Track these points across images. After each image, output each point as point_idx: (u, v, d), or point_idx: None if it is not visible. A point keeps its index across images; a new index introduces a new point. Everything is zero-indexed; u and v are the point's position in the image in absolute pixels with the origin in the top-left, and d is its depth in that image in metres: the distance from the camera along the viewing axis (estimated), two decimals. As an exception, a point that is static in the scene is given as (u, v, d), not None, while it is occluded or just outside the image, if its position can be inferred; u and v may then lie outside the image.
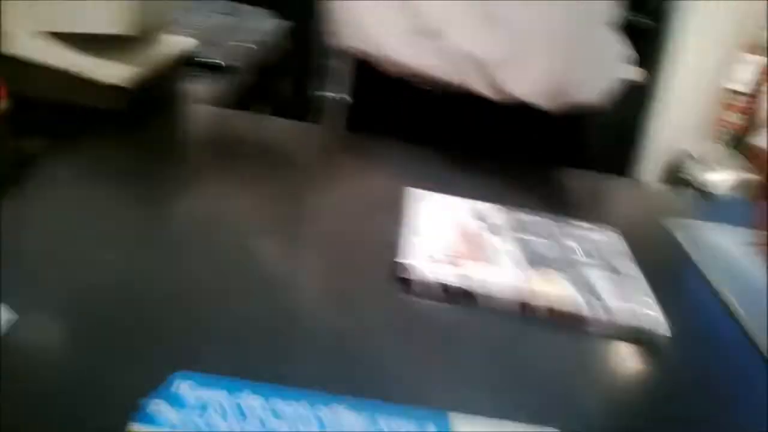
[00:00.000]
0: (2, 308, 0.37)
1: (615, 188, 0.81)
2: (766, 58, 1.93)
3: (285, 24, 1.29)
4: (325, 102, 2.71)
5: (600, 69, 0.75)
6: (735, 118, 2.08)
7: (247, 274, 0.46)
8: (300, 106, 2.20)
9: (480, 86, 0.73)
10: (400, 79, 0.77)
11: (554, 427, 0.35)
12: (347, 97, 0.87)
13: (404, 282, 0.47)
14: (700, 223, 0.68)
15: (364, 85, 0.85)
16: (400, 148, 0.72)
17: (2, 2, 0.60)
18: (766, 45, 1.89)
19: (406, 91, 0.77)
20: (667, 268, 0.60)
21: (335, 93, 2.87)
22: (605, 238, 0.57)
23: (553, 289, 0.48)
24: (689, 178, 2.40)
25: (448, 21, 0.72)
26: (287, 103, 1.56)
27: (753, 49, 1.95)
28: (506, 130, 0.76)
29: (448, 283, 0.47)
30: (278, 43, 1.24)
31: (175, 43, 0.79)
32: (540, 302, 0.47)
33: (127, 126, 0.65)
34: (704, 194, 1.86)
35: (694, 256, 0.60)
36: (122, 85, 0.65)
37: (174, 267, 0.46)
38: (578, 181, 0.75)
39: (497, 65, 0.72)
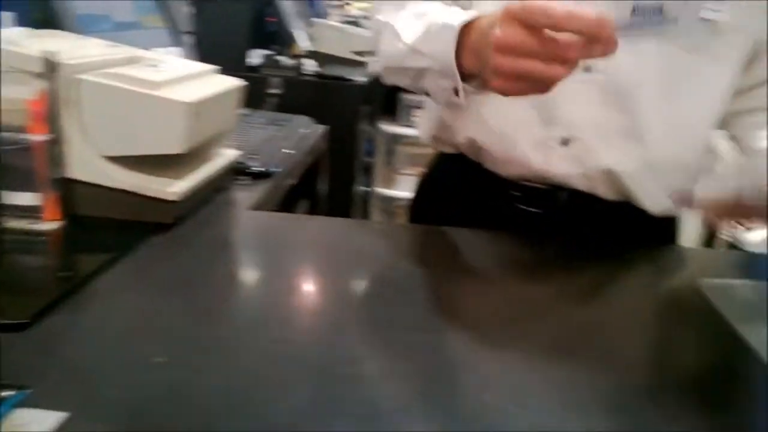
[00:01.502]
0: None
1: (655, 256, 0.81)
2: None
3: (324, 128, 1.36)
4: (368, 197, 2.79)
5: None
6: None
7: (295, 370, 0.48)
8: (339, 203, 2.28)
9: (608, 194, 0.78)
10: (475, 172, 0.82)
11: None
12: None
13: None
14: (735, 282, 0.68)
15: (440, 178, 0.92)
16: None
17: (66, 129, 0.67)
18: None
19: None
20: (700, 330, 0.60)
21: (372, 188, 2.95)
22: None
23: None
24: (729, 238, 2.36)
25: (585, 131, 0.75)
26: (327, 201, 1.62)
27: None
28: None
29: None
30: (318, 145, 1.31)
31: (222, 155, 0.85)
32: None
33: (177, 237, 0.70)
34: (742, 253, 1.81)
35: (729, 315, 0.60)
36: (173, 199, 0.70)
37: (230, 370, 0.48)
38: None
39: (630, 177, 0.76)
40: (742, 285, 0.69)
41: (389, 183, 2.94)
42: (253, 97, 1.84)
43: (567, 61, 0.53)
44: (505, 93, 0.58)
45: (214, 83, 0.79)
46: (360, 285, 0.65)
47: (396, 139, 2.92)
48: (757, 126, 0.75)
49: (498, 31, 0.54)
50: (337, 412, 0.43)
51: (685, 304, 0.65)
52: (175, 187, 0.71)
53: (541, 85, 0.55)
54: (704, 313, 0.61)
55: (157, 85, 0.67)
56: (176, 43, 1.15)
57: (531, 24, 0.52)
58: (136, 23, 1.07)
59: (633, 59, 0.71)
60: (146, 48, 0.88)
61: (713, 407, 0.48)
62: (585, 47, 0.52)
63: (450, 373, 0.49)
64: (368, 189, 2.84)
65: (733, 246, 2.35)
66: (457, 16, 0.65)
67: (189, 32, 1.21)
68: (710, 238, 2.44)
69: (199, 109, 0.68)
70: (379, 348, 0.52)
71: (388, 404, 0.45)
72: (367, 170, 2.78)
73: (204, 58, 1.67)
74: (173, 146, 0.68)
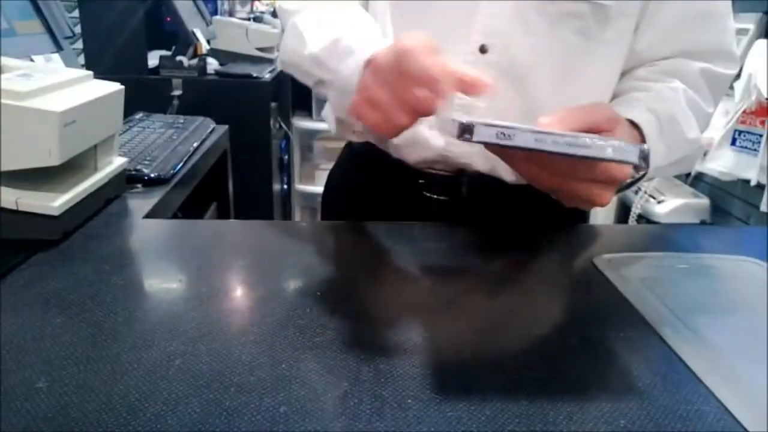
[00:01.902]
0: None
1: (560, 237, 0.83)
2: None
3: (225, 127, 1.33)
4: (282, 195, 2.76)
5: None
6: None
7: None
8: (256, 203, 2.24)
9: (508, 175, 0.78)
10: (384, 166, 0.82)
11: None
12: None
13: None
14: (631, 256, 0.70)
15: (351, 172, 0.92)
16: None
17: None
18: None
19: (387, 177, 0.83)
20: (598, 307, 0.61)
21: (292, 185, 2.92)
22: None
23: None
24: (640, 211, 2.48)
25: (482, 111, 0.74)
26: (243, 202, 1.58)
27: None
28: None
29: None
30: (220, 146, 1.27)
31: (110, 163, 0.81)
32: None
33: (64, 253, 0.66)
34: (649, 226, 1.91)
35: (624, 290, 0.62)
36: (55, 214, 0.67)
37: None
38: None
39: None
40: (637, 258, 0.71)
41: (309, 179, 2.92)
42: (155, 100, 1.78)
43: (418, 113, 0.59)
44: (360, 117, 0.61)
45: (90, 89, 0.75)
46: (259, 289, 0.63)
47: (312, 134, 2.89)
48: None
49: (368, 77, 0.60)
50: (231, 423, 0.42)
51: (582, 282, 0.67)
52: (57, 201, 0.67)
53: (387, 126, 0.59)
54: (601, 289, 0.63)
55: (24, 95, 0.64)
56: (58, 49, 1.09)
57: (404, 72, 0.57)
58: (10, 30, 1.01)
59: (528, 42, 0.73)
60: (26, 56, 0.83)
61: (608, 378, 0.50)
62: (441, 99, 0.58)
63: (352, 372, 0.48)
64: (287, 187, 2.81)
65: (643, 218, 2.46)
66: (367, 38, 0.66)
67: (71, 36, 1.15)
68: (625, 213, 2.55)
69: (71, 117, 0.65)
70: (280, 354, 0.51)
71: (285, 410, 0.44)
72: (285, 168, 2.75)
73: (97, 62, 1.60)
74: (47, 159, 0.65)
